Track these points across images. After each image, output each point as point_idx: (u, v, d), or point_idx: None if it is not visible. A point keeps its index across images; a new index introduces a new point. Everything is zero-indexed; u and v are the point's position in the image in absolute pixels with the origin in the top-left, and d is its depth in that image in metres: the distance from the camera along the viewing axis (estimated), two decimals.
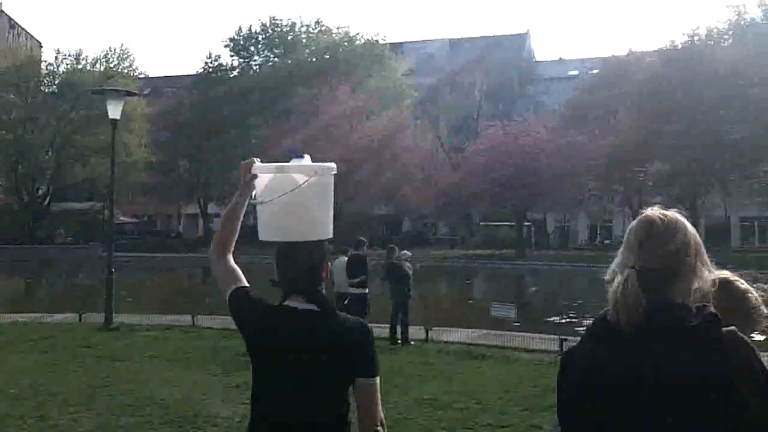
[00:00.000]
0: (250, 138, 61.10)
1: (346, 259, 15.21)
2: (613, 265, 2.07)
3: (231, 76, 67.20)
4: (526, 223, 55.31)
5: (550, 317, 19.05)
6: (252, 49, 67.09)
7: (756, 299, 2.48)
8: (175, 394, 9.51)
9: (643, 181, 49.08)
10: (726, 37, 50.22)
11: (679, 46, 49.20)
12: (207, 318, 16.88)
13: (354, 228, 58.61)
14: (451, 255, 49.09)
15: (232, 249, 3.03)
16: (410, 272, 14.19)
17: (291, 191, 2.82)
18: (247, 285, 2.96)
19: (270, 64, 66.60)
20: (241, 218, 3.02)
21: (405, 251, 14.88)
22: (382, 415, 2.73)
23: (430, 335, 14.72)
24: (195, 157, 64.75)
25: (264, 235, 2.95)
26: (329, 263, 2.96)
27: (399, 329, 14.32)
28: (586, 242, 65.44)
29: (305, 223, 2.90)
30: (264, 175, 2.93)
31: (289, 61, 64.69)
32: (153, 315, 17.69)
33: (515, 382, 10.57)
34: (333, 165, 2.99)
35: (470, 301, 24.04)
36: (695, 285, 1.98)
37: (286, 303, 2.81)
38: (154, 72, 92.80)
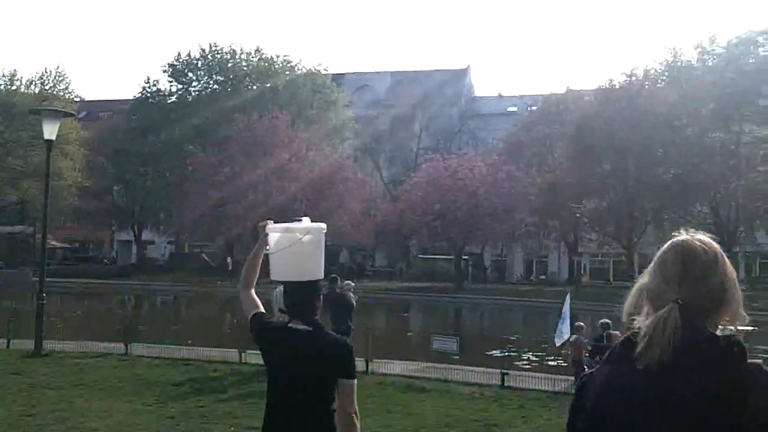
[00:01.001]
0: (186, 164, 60.32)
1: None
2: (635, 292, 1.97)
3: (169, 101, 66.22)
4: (464, 257, 55.64)
5: (490, 351, 19.00)
6: (191, 74, 66.21)
7: None
8: (107, 424, 9.11)
9: (579, 218, 49.91)
10: (663, 78, 51.66)
11: (617, 86, 50.39)
12: (141, 346, 16.40)
13: None
14: (389, 287, 49.02)
15: (254, 284, 4.10)
16: (354, 303, 14.02)
17: (293, 245, 3.89)
18: (264, 311, 4.02)
19: (209, 90, 65.87)
20: (260, 263, 4.09)
21: (348, 281, 14.71)
22: (356, 408, 3.71)
23: (370, 367, 14.53)
24: (130, 182, 63.57)
25: (274, 275, 3.98)
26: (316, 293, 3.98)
27: None
28: (522, 277, 66.17)
29: (303, 267, 3.93)
30: (274, 233, 3.98)
31: (229, 89, 64.20)
32: (85, 342, 17.09)
33: (457, 416, 10.45)
34: (323, 225, 4.05)
35: (409, 334, 23.89)
36: (731, 313, 1.91)
37: (290, 324, 3.86)
38: (90, 95, 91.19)
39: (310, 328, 3.83)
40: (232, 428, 9.16)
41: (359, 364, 14.26)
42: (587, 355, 14.03)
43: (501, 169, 50.24)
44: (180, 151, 61.29)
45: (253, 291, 4.09)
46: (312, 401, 3.76)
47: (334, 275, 15.52)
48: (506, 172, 49.87)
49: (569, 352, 14.21)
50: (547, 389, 13.25)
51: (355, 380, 3.80)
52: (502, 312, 41.29)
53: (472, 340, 19.21)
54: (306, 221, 4.03)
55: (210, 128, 59.54)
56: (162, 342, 17.61)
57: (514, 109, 68.60)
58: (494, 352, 18.69)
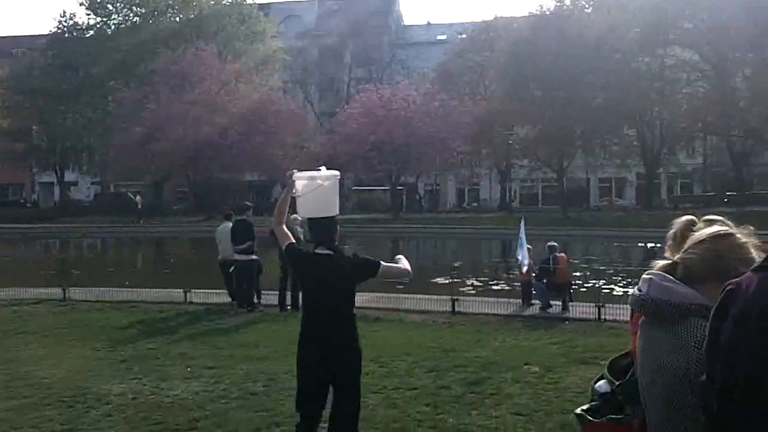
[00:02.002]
0: (109, 101, 58.31)
1: (231, 225, 14.63)
2: None
3: (87, 36, 63.40)
4: (399, 188, 55.68)
5: (435, 278, 19.09)
6: (110, 6, 63.15)
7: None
8: (57, 372, 8.75)
9: (511, 145, 50.25)
10: (591, 3, 51.72)
11: (548, 12, 50.30)
12: (79, 291, 15.85)
13: (223, 195, 57.46)
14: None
15: (284, 220, 5.12)
16: (301, 237, 13.74)
17: (316, 189, 4.90)
18: (294, 241, 5.17)
19: (130, 23, 63.28)
20: (288, 204, 5.08)
21: (296, 215, 14.39)
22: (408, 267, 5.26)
23: None
24: (50, 122, 61.05)
25: (302, 213, 5.23)
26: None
27: (290, 296, 13.92)
28: (454, 205, 66.83)
29: (324, 207, 5.00)
30: (300, 180, 4.93)
31: (151, 21, 61.85)
32: (18, 288, 16.40)
33: (415, 344, 10.42)
34: (338, 173, 5.12)
35: None
36: None
37: (317, 251, 5.03)
38: (0, 32, 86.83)
39: (332, 253, 5.01)
40: (189, 369, 8.92)
41: None
42: (534, 276, 14.15)
43: (435, 98, 50.01)
44: (102, 88, 59.18)
45: (284, 226, 5.13)
46: (338, 306, 4.97)
47: None
48: (440, 101, 49.67)
49: (521, 274, 14.33)
50: (496, 313, 13.35)
51: (381, 268, 5.07)
52: (438, 240, 41.66)
53: (416, 269, 19.21)
54: (324, 169, 5.00)
55: (132, 63, 57.57)
56: (104, 284, 17.06)
57: (444, 37, 68.12)
58: (439, 279, 18.81)
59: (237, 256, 13.92)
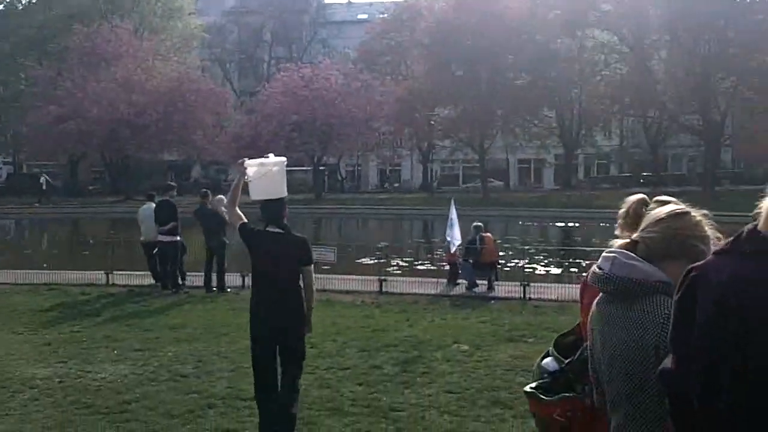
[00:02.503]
0: (21, 79, 56.12)
1: (154, 205, 14.34)
2: None
3: None
4: (321, 168, 55.45)
5: (360, 259, 19.13)
6: None
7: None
8: None
9: (433, 125, 50.57)
10: None
11: None
12: None
13: (140, 175, 56.16)
14: (246, 201, 48.05)
15: (237, 203, 5.66)
16: (227, 218, 13.54)
17: (266, 174, 5.55)
18: (247, 221, 5.61)
19: None
20: (240, 189, 5.62)
21: (221, 196, 14.20)
22: (314, 282, 5.63)
23: (246, 282, 14.24)
24: None
25: (254, 196, 5.57)
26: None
27: (215, 278, 13.75)
28: (376, 186, 66.99)
29: (274, 189, 5.60)
30: (251, 167, 5.54)
31: None
32: None
33: (345, 325, 10.44)
34: (284, 159, 5.76)
35: None
36: None
37: (267, 228, 5.62)
38: None
39: (282, 231, 5.63)
40: (116, 351, 8.74)
41: (235, 280, 14.06)
42: (459, 255, 14.34)
43: (357, 78, 49.86)
44: (13, 65, 56.74)
45: (237, 208, 5.69)
46: (285, 279, 5.58)
47: (204, 190, 14.98)
48: (362, 81, 49.55)
49: (447, 255, 14.48)
50: (424, 293, 13.48)
51: (313, 265, 5.70)
52: (361, 221, 41.74)
53: (341, 249, 19.13)
54: (272, 156, 5.76)
55: (45, 39, 55.49)
56: (21, 267, 16.50)
57: (365, 16, 67.86)
58: (365, 260, 18.87)
59: (161, 237, 13.67)
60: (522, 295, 12.82)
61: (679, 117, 49.33)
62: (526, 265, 17.18)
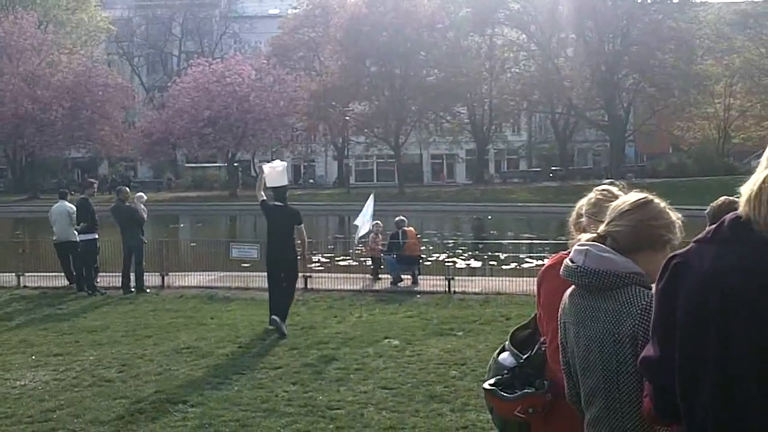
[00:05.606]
0: None
1: (68, 203, 13.82)
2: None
3: None
4: (234, 164, 54.67)
5: None
6: None
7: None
8: None
9: (348, 121, 50.53)
10: None
11: None
12: None
13: (47, 173, 54.24)
14: (158, 199, 47.07)
15: (261, 189, 10.09)
16: (144, 216, 13.18)
17: (274, 171, 10.05)
18: (266, 198, 10.02)
19: None
20: (263, 183, 10.07)
21: (140, 193, 13.79)
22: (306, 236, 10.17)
23: (166, 281, 13.90)
24: None
25: (269, 184, 9.89)
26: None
27: (132, 277, 13.35)
28: (291, 182, 66.41)
29: (279, 180, 9.95)
30: (266, 168, 10.16)
31: None
32: None
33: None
34: (285, 163, 10.97)
35: (193, 245, 23.04)
36: None
37: (275, 203, 9.89)
38: None
39: (283, 204, 9.82)
40: (34, 357, 8.37)
41: (155, 279, 13.69)
42: (381, 248, 14.35)
43: (270, 73, 49.36)
44: None
45: (262, 192, 9.99)
46: (285, 232, 9.74)
47: (119, 188, 14.49)
48: (275, 76, 49.09)
49: (367, 249, 14.46)
50: (349, 288, 13.41)
51: (302, 226, 9.92)
52: None
53: (264, 246, 18.84)
54: (277, 161, 10.49)
55: None
56: None
57: (276, 11, 67.17)
58: None
59: (80, 237, 13.18)
60: (447, 289, 12.89)
61: (585, 113, 50.80)
62: (446, 260, 17.31)
